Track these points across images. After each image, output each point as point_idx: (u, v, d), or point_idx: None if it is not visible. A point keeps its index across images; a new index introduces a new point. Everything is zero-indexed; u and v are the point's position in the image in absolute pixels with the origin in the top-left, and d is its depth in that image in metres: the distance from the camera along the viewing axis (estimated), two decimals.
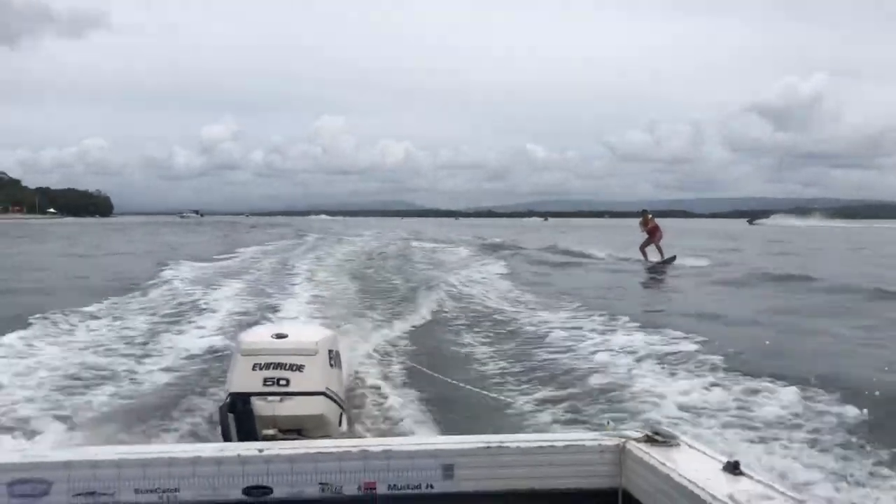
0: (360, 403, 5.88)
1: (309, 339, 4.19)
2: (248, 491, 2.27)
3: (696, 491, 1.95)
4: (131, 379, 7.05)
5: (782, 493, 1.89)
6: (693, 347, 8.41)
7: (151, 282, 15.85)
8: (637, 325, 10.16)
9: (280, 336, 4.12)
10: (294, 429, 3.91)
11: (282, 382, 3.93)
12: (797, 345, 9.43)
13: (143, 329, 9.89)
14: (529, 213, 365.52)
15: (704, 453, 2.24)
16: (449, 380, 6.13)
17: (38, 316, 10.01)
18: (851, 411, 5.76)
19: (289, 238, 42.54)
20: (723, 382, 6.75)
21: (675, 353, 8.19)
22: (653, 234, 25.61)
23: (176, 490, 2.24)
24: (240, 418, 3.79)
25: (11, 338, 8.47)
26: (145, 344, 8.81)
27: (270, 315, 11.16)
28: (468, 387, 5.97)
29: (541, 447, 2.40)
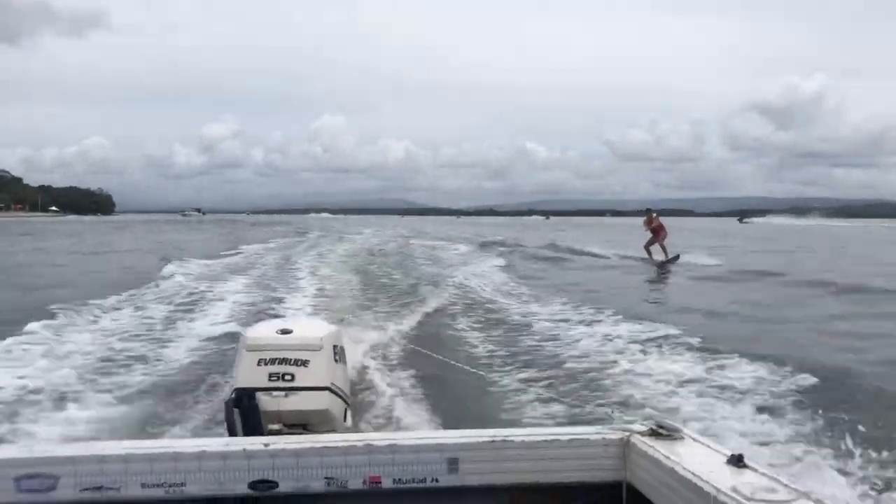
0: (364, 398, 5.95)
1: (314, 334, 4.20)
2: (253, 485, 2.27)
3: (701, 484, 1.95)
4: (157, 360, 7.83)
5: (786, 486, 1.88)
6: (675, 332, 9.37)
7: (163, 276, 16.62)
8: (632, 317, 10.78)
9: (285, 331, 4.13)
10: (299, 423, 3.90)
11: (287, 377, 3.94)
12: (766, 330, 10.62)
13: (161, 317, 10.69)
14: (530, 212, 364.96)
15: (708, 447, 2.23)
16: (453, 361, 6.23)
17: (60, 306, 10.75)
18: (807, 379, 6.82)
19: (290, 236, 43.21)
20: (697, 360, 7.79)
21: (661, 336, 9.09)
22: (657, 233, 25.54)
23: (182, 484, 2.25)
24: (245, 413, 3.79)
25: (36, 325, 9.12)
26: (165, 330, 9.62)
27: (276, 307, 11.84)
28: (472, 369, 6.26)
29: (545, 441, 2.40)
